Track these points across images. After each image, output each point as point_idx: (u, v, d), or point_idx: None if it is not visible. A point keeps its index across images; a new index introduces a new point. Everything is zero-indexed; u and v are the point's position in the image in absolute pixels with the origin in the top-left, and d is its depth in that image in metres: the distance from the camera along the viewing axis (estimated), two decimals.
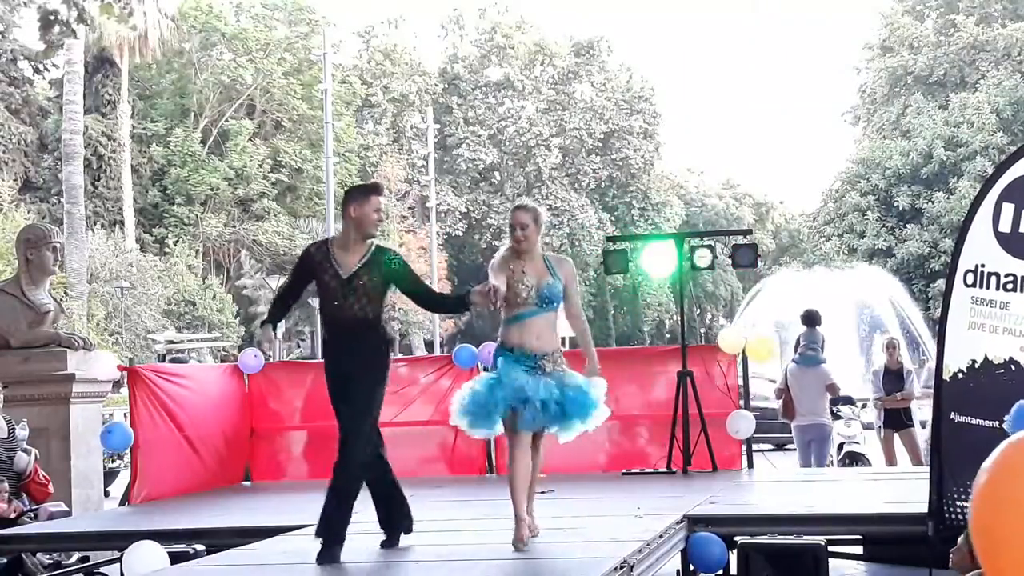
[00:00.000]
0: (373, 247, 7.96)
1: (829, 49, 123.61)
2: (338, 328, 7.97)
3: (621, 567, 6.96)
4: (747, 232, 16.42)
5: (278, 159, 57.91)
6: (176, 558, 8.84)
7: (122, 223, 50.96)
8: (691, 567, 9.44)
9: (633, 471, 12.55)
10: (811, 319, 15.36)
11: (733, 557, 9.26)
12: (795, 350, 15.05)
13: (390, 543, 7.96)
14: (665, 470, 12.35)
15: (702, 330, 62.55)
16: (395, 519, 8.04)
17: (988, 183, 8.76)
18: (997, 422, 7.64)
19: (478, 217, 66.36)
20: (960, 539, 6.96)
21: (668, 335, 65.68)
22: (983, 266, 8.44)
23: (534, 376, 7.35)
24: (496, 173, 68.75)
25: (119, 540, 9.59)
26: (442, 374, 13.44)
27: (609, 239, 19.97)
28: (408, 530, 8.10)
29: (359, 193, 8.24)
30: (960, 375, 8.47)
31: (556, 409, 7.46)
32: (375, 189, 8.36)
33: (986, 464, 2.57)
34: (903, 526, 9.10)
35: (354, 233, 7.97)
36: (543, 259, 7.67)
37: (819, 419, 14.61)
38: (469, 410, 7.57)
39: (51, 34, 15.87)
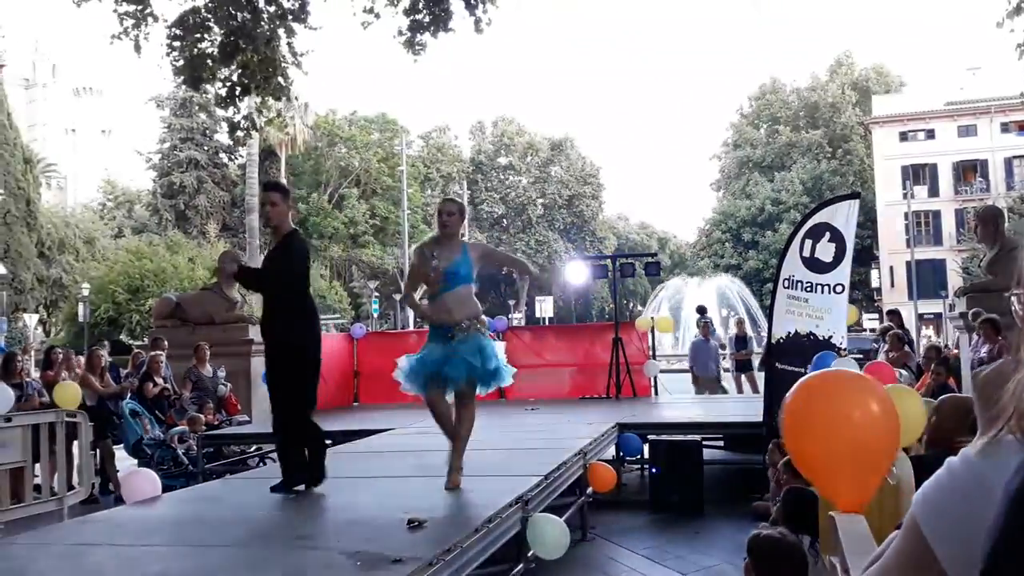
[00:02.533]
0: (284, 237, 5.79)
1: (703, 141, 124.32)
2: (262, 309, 5.83)
3: (578, 454, 7.00)
4: (653, 255, 16.48)
5: (374, 212, 58.08)
6: None
7: None
8: (621, 454, 9.48)
9: (587, 397, 12.59)
10: (703, 309, 16.03)
11: (647, 448, 9.31)
12: (697, 326, 15.62)
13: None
14: (606, 396, 12.38)
15: (627, 313, 62.34)
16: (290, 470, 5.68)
17: (798, 227, 8.91)
18: (803, 368, 7.70)
19: (494, 246, 66.39)
20: (771, 444, 7.02)
21: (607, 316, 65.71)
22: (794, 276, 8.53)
23: (447, 347, 5.46)
24: (504, 220, 68.79)
25: None
26: None
27: (571, 259, 20.04)
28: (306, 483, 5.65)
29: None
30: (782, 341, 8.55)
31: (462, 374, 5.45)
32: (263, 186, 6.12)
33: (789, 393, 2.60)
34: (748, 430, 9.14)
35: None
36: (461, 244, 5.74)
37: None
38: (408, 379, 5.58)
39: (237, 136, 15.86)
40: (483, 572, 4.38)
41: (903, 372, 9.15)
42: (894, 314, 13.37)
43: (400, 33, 13.77)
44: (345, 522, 4.62)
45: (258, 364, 12.87)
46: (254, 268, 6.19)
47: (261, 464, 10.12)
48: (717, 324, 19.07)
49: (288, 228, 5.84)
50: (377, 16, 13.72)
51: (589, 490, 7.30)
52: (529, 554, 5.10)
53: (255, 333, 12.96)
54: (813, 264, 8.51)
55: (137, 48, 13.15)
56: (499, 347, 5.85)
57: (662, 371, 13.98)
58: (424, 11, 13.57)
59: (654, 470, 8.93)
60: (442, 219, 5.74)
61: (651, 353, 13.00)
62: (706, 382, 14.78)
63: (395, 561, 3.60)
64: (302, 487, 5.61)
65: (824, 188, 54.93)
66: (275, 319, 5.70)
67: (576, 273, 13.86)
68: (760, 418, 8.70)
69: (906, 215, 47.16)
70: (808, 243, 8.56)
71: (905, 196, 47.09)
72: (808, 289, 8.49)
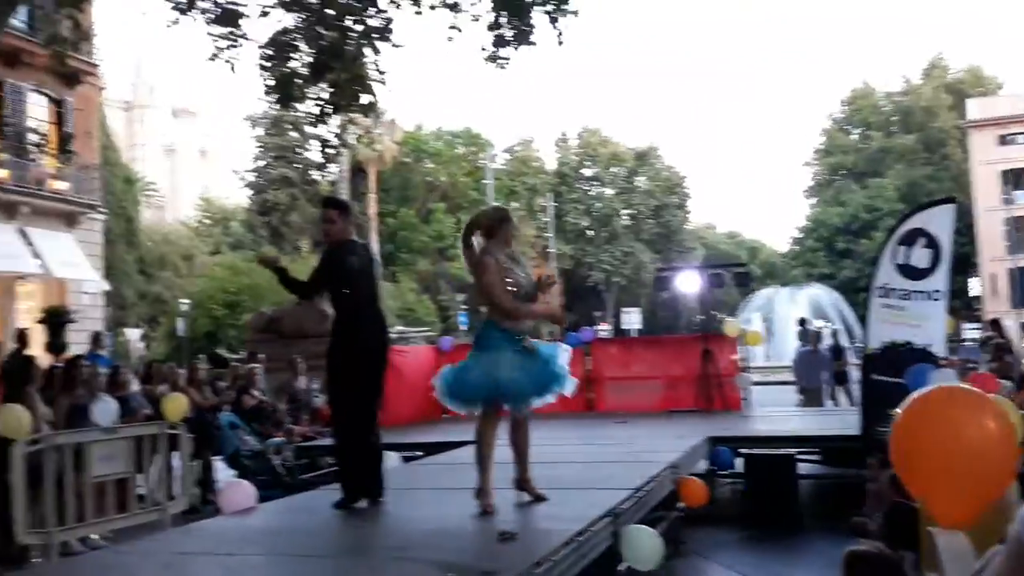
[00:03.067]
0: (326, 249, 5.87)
1: (793, 146, 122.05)
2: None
3: (669, 467, 6.93)
4: (743, 264, 16.26)
5: (460, 226, 58.57)
6: (406, 459, 8.98)
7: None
8: (713, 467, 9.37)
9: (676, 409, 12.46)
10: (805, 320, 15.75)
11: (739, 462, 9.18)
12: (800, 338, 15.27)
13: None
14: (696, 409, 12.23)
15: (716, 324, 61.86)
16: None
17: (890, 233, 8.69)
18: (900, 379, 7.51)
19: (579, 257, 66.37)
20: (869, 459, 6.88)
21: (696, 328, 64.84)
22: (888, 284, 8.34)
23: (520, 355, 5.11)
24: (589, 231, 68.72)
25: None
26: None
27: (658, 270, 19.86)
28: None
29: None
30: (877, 351, 8.34)
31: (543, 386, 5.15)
32: (322, 202, 6.19)
33: (901, 407, 2.54)
34: (845, 443, 8.93)
35: None
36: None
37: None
38: (466, 394, 5.25)
39: (328, 153, 16.25)
40: None
41: (1005, 383, 8.84)
42: (995, 323, 12.94)
43: (483, 48, 13.91)
44: (436, 534, 4.67)
45: None
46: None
47: None
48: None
49: (343, 239, 5.80)
50: (460, 31, 13.89)
51: (680, 504, 7.22)
52: (620, 568, 5.08)
53: None
54: (908, 271, 8.30)
55: (233, 69, 13.56)
56: (566, 352, 5.44)
57: (755, 383, 13.75)
58: (507, 26, 13.69)
59: (747, 485, 8.79)
60: (513, 234, 5.43)
61: (742, 365, 12.80)
62: (813, 394, 14.46)
63: (486, 573, 3.63)
64: (364, 502, 5.47)
65: (920, 194, 53.44)
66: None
67: (690, 282, 13.73)
68: (857, 431, 8.49)
69: (1006, 221, 45.59)
70: (902, 249, 8.35)
71: (1005, 201, 45.52)
72: (904, 297, 8.28)
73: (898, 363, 7.92)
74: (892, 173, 58.93)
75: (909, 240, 8.31)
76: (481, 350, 5.25)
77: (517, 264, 5.37)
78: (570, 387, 5.27)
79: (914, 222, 8.49)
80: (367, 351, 5.66)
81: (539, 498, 5.39)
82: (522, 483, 5.45)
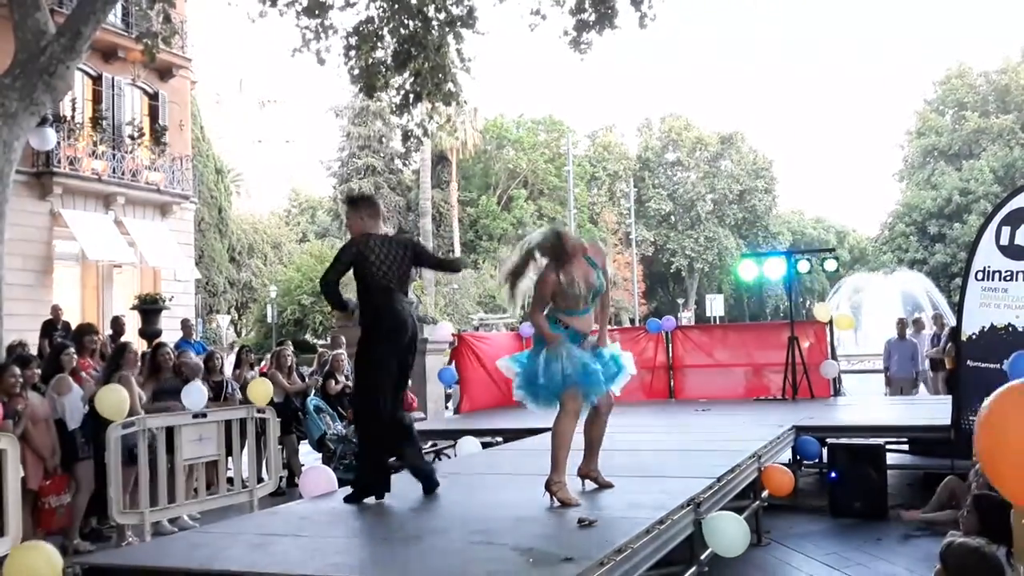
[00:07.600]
0: None
1: (882, 129, 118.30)
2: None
3: (752, 456, 6.81)
4: (831, 250, 15.82)
5: (541, 212, 58.53)
6: (486, 445, 9.00)
7: (453, 251, 52.21)
8: (798, 457, 9.19)
9: (761, 398, 12.26)
10: (902, 321, 15.06)
11: (825, 452, 8.99)
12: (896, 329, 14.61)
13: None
14: (781, 397, 12.02)
15: (803, 311, 60.32)
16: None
17: (993, 213, 8.35)
18: (999, 365, 7.23)
19: (661, 243, 65.73)
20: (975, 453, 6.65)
21: (782, 314, 63.75)
22: (989, 266, 8.02)
23: (585, 352, 5.14)
24: (671, 216, 67.94)
25: (454, 435, 9.82)
26: (639, 336, 13.38)
27: (743, 256, 19.50)
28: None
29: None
30: (974, 336, 8.05)
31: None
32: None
33: (987, 400, 2.43)
34: (935, 433, 8.66)
35: None
36: (585, 258, 5.25)
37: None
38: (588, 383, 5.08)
39: (410, 143, 16.37)
40: (655, 574, 4.32)
41: None
42: None
43: (565, 33, 13.83)
44: (516, 519, 4.66)
45: (433, 361, 13.19)
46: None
47: (436, 459, 10.35)
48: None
49: (360, 233, 5.51)
50: (543, 17, 13.84)
51: (765, 494, 7.09)
52: (702, 557, 5.01)
53: (429, 332, 13.30)
54: (1013, 252, 7.95)
55: (320, 61, 13.76)
56: (628, 355, 5.45)
57: (843, 371, 13.41)
58: (589, 10, 13.59)
59: (833, 475, 8.60)
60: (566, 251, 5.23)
61: (830, 352, 12.51)
62: (901, 384, 14.00)
63: (566, 560, 3.60)
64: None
65: (1018, 176, 51.58)
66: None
67: (776, 268, 13.35)
68: (948, 420, 8.23)
69: None
70: (1006, 230, 8.01)
71: None
72: (1008, 278, 7.93)
73: (998, 347, 7.62)
74: (988, 154, 56.98)
75: (1014, 220, 7.97)
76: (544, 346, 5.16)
77: (570, 269, 5.17)
78: (625, 380, 5.31)
79: (1020, 201, 8.14)
80: (376, 342, 5.37)
81: (606, 485, 5.35)
82: (588, 473, 5.41)
